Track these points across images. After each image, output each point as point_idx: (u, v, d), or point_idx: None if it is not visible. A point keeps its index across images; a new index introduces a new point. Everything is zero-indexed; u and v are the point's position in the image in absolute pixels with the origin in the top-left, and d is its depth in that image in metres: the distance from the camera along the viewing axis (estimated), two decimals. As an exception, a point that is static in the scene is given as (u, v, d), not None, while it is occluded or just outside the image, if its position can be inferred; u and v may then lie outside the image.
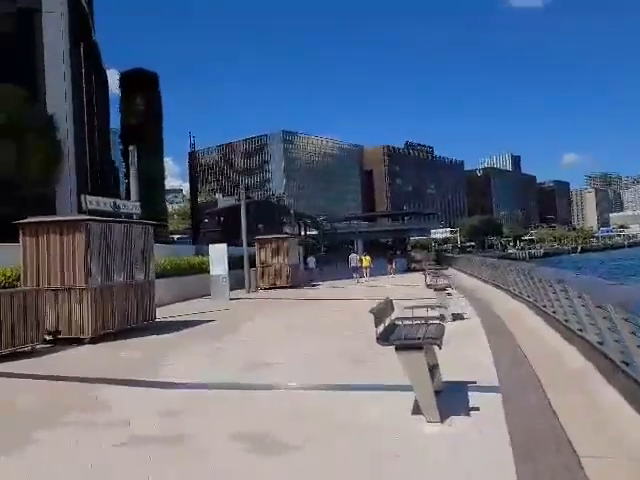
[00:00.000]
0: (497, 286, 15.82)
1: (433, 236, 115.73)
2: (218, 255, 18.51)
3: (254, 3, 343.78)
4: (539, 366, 6.11)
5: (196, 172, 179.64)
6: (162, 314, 14.34)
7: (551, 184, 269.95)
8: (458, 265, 31.97)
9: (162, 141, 41.09)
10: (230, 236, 31.60)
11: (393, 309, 5.68)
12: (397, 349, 4.41)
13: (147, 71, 36.63)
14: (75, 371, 7.26)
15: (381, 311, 4.74)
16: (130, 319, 10.77)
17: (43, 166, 21.03)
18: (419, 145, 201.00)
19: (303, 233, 78.33)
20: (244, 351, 8.26)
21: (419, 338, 4.51)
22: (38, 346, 8.90)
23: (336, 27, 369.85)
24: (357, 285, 24.66)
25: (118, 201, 10.37)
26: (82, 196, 9.82)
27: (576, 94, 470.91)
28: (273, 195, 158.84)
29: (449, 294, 13.90)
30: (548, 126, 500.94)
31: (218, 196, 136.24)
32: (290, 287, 23.43)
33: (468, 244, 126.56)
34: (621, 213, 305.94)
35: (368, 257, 32.67)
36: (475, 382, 5.65)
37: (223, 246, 18.71)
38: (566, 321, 7.55)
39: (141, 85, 35.32)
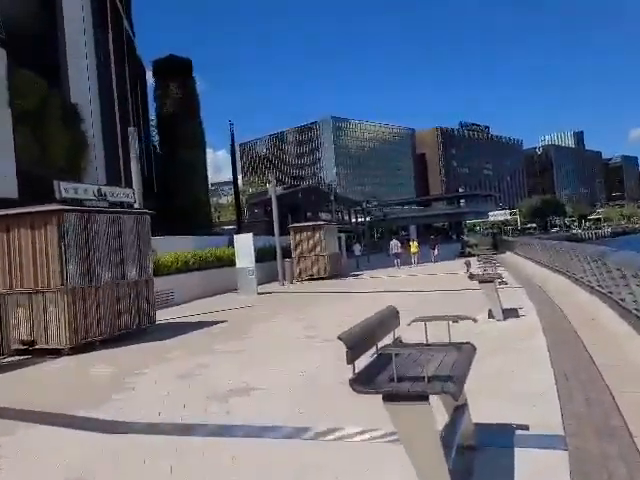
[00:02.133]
0: (562, 274, 13.43)
1: (491, 219, 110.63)
2: (244, 246, 16.99)
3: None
4: (624, 396, 4.11)
5: (248, 162, 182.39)
6: (176, 313, 13.06)
7: (618, 159, 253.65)
8: (517, 249, 29.16)
9: (202, 130, 40.00)
10: (279, 225, 30.21)
11: (398, 323, 3.81)
12: (385, 399, 2.60)
13: (180, 57, 35.50)
14: (6, 398, 5.82)
15: (360, 335, 2.88)
16: (122, 324, 9.35)
17: (67, 157, 20.22)
18: (474, 125, 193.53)
19: (353, 220, 76.46)
20: (231, 369, 6.59)
21: (424, 378, 2.65)
22: (5, 360, 7.61)
23: (382, 8, 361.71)
24: (398, 273, 22.63)
25: (105, 188, 8.92)
26: (55, 183, 8.31)
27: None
28: (324, 182, 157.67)
29: (502, 283, 11.77)
30: (613, 99, 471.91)
31: (269, 186, 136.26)
32: (329, 278, 21.72)
33: (529, 226, 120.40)
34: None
35: (416, 243, 31.21)
36: (527, 427, 3.73)
37: (249, 236, 17.17)
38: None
39: (175, 72, 34.25)
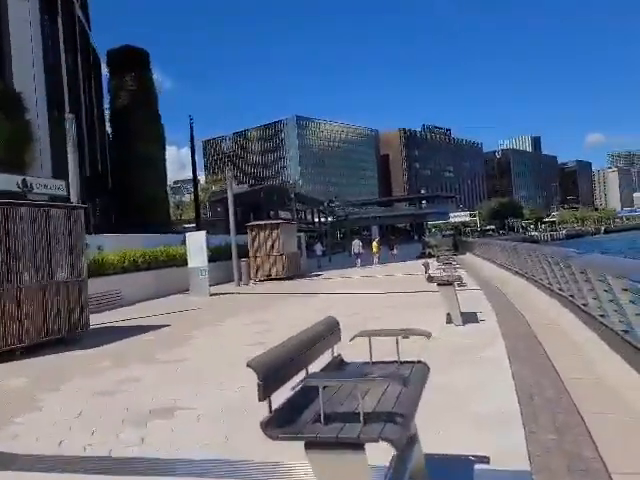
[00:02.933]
0: (521, 275, 13.16)
1: (452, 220, 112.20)
2: (196, 245, 16.14)
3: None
4: (595, 419, 3.63)
5: (212, 160, 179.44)
6: (120, 316, 12.14)
7: (573, 164, 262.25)
8: (476, 250, 29.18)
9: (160, 125, 38.68)
10: (240, 224, 29.30)
11: (338, 337, 3.20)
12: (307, 446, 1.97)
13: (136, 48, 34.03)
14: None
15: (280, 360, 2.23)
16: (49, 330, 8.43)
17: (7, 149, 18.84)
18: (436, 128, 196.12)
19: (316, 219, 75.98)
20: (162, 384, 5.83)
21: (360, 416, 2.03)
22: None
23: (350, 11, 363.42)
24: (358, 273, 22.16)
25: (31, 179, 7.99)
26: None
27: (598, 73, 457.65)
28: (288, 181, 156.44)
29: (461, 285, 11.39)
30: (570, 106, 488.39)
31: (227, 182, 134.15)
32: (287, 278, 21.05)
33: (488, 227, 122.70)
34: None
35: (377, 243, 31.99)
36: (488, 459, 3.18)
37: (201, 234, 16.33)
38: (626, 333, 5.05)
39: (130, 63, 32.81)
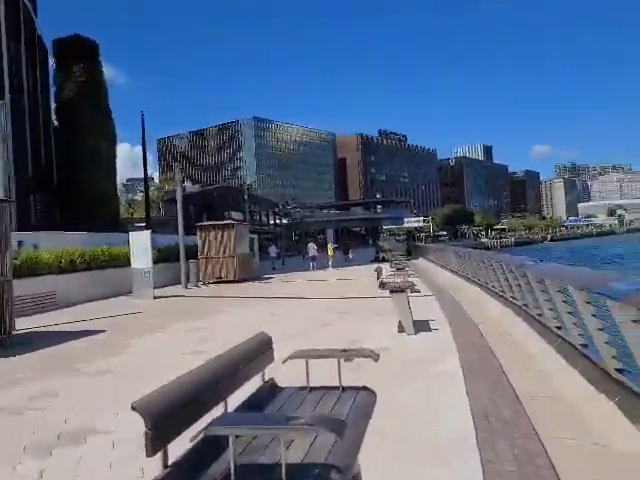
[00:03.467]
0: (474, 282, 13.05)
1: (406, 225, 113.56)
2: (140, 245, 15.30)
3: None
4: (557, 445, 3.30)
5: (167, 158, 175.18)
6: (52, 319, 11.24)
7: (522, 174, 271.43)
8: (430, 256, 29.31)
9: (110, 119, 37.13)
10: (194, 224, 28.29)
11: (272, 358, 2.72)
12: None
13: (85, 38, 32.50)
14: None
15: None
16: (-37, 335, 7.58)
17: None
18: (392, 133, 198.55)
19: (272, 221, 75.22)
20: (81, 401, 5.18)
21: (280, 468, 1.55)
22: None
23: (310, 14, 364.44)
24: (312, 277, 21.74)
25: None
26: None
27: (546, 87, 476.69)
28: (244, 183, 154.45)
29: (414, 291, 11.12)
30: (519, 118, 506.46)
31: (187, 183, 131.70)
32: (238, 281, 20.37)
33: (441, 233, 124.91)
34: (589, 203, 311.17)
35: (332, 246, 32.26)
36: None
37: (145, 233, 15.49)
38: (584, 347, 4.80)
39: (78, 54, 31.28)
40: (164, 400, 1.64)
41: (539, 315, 6.85)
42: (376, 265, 26.52)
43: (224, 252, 20.51)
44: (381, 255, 33.14)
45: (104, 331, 9.54)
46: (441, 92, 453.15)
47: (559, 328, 5.75)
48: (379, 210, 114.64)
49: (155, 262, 20.08)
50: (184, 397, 1.73)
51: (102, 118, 34.56)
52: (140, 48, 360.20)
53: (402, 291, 7.73)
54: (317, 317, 10.15)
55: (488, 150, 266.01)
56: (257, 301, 13.84)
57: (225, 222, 22.39)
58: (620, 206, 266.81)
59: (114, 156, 39.63)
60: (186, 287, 18.50)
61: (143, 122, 40.56)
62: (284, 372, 2.91)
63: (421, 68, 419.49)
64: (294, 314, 10.88)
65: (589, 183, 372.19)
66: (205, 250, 20.61)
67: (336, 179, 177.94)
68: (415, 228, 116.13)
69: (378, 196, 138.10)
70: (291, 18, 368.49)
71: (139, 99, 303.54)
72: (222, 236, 20.58)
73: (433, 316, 9.34)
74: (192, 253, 19.96)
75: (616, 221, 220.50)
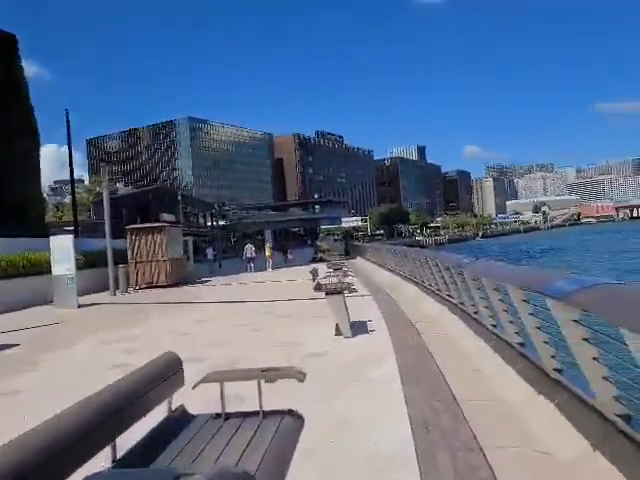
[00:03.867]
0: (411, 281, 13.06)
1: (344, 225, 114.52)
2: (62, 250, 14.27)
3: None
4: (499, 456, 3.12)
5: (98, 159, 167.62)
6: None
7: (454, 174, 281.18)
8: (368, 255, 29.48)
9: (32, 117, 34.81)
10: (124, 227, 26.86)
11: (182, 382, 2.34)
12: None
13: (1, 31, 30.33)
14: None
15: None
16: None
17: None
18: (329, 134, 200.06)
19: (209, 223, 73.52)
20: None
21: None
22: None
23: (250, 12, 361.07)
24: (249, 279, 21.22)
25: None
26: None
27: (476, 89, 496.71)
28: (180, 184, 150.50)
29: (352, 291, 10.93)
30: (450, 119, 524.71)
31: (119, 185, 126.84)
32: (171, 286, 19.54)
33: (378, 232, 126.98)
34: (515, 201, 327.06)
35: (269, 247, 31.98)
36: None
37: (67, 238, 14.46)
38: (521, 345, 4.72)
39: (-8, 47, 29.12)
40: (18, 457, 1.24)
41: (475, 313, 6.80)
42: (315, 265, 26.44)
43: (155, 256, 19.62)
44: (319, 255, 33.08)
45: (17, 345, 8.70)
46: (376, 93, 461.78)
47: (494, 326, 5.68)
48: (317, 210, 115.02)
49: (81, 268, 18.99)
50: (47, 449, 1.33)
51: (22, 116, 32.29)
52: (71, 46, 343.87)
53: (338, 293, 7.48)
54: (251, 322, 9.75)
55: (422, 150, 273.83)
56: (189, 306, 13.23)
57: (156, 224, 21.44)
58: (544, 203, 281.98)
59: (37, 156, 37.23)
60: (114, 294, 17.53)
61: (68, 120, 38.35)
62: (199, 395, 2.54)
63: (356, 69, 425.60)
64: (227, 319, 10.43)
65: (516, 182, 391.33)
66: (135, 254, 19.64)
67: (274, 180, 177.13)
68: (353, 228, 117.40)
69: (316, 196, 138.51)
70: (227, 15, 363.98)
71: (69, 99, 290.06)
72: (153, 239, 19.68)
73: (370, 316, 9.17)
74: (123, 258, 18.97)
75: (541, 217, 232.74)
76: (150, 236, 19.72)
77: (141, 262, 19.54)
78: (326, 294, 7.47)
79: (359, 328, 8.03)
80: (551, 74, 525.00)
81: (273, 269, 27.34)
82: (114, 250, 20.11)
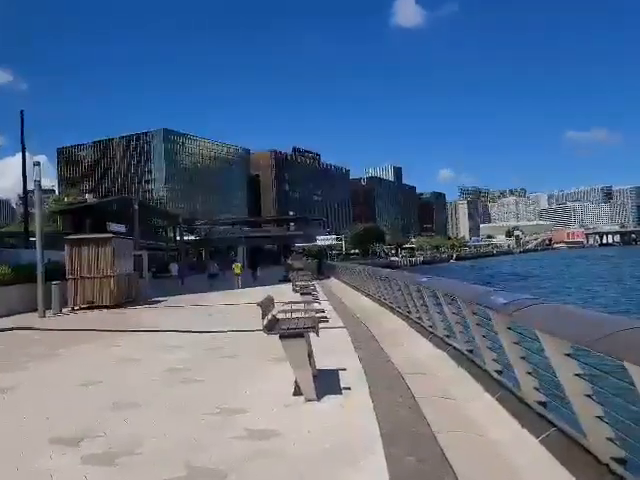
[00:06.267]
0: (392, 310, 10.82)
1: (319, 243, 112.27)
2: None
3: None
4: None
5: (67, 169, 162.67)
6: None
7: (429, 195, 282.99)
8: (342, 275, 27.22)
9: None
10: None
11: None
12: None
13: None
14: None
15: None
16: None
17: None
18: (306, 151, 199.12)
19: (179, 237, 70.45)
20: None
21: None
22: None
23: (226, 27, 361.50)
24: (209, 299, 18.68)
25: None
26: None
27: (449, 115, 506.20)
28: (153, 196, 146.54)
29: (322, 320, 8.62)
30: (426, 142, 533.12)
31: (88, 196, 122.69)
32: (117, 306, 16.89)
33: (352, 251, 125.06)
34: (489, 224, 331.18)
35: (239, 265, 30.04)
36: None
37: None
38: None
39: None
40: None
41: (499, 373, 4.58)
42: (287, 285, 24.07)
43: (99, 271, 16.97)
44: (290, 275, 30.44)
45: None
46: (354, 113, 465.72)
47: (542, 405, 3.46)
48: (292, 228, 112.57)
49: (8, 284, 16.36)
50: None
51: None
52: (43, 53, 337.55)
53: (300, 335, 5.15)
54: (186, 364, 7.34)
55: (398, 171, 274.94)
56: (118, 337, 10.64)
57: (100, 235, 18.75)
58: (517, 227, 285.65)
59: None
60: (43, 315, 14.83)
61: (22, 121, 35.64)
62: None
63: (337, 88, 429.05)
64: (156, 358, 7.97)
65: (489, 205, 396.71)
66: (75, 269, 16.95)
67: (249, 196, 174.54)
68: (328, 246, 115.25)
69: (291, 213, 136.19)
70: (205, 29, 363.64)
71: (40, 108, 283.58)
72: (97, 252, 17.03)
73: (344, 362, 6.87)
74: (54, 272, 16.34)
75: (514, 241, 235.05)
76: (93, 248, 17.07)
77: (81, 278, 16.85)
78: (281, 337, 5.13)
79: (328, 383, 5.72)
80: (523, 102, 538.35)
81: (242, 288, 25.05)
82: (60, 265, 17.48)
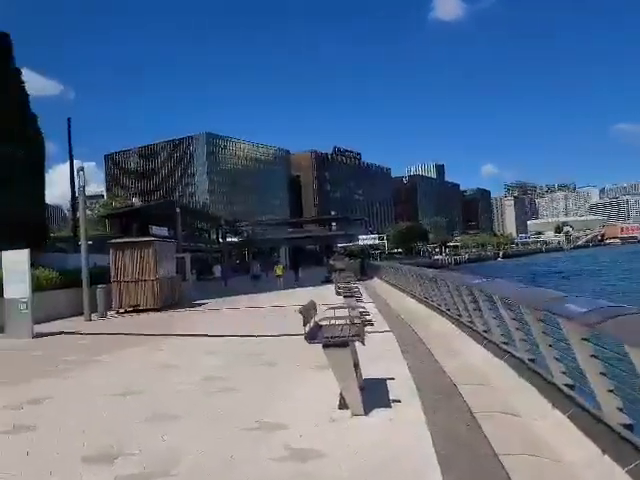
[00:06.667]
0: (443, 313, 10.26)
1: (361, 243, 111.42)
2: (15, 268, 11.77)
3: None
4: None
5: (115, 175, 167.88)
6: None
7: (473, 192, 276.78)
8: (386, 276, 26.63)
9: (33, 126, 32.98)
10: None
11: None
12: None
13: (-12, 29, 28.55)
14: None
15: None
16: None
17: None
18: (347, 151, 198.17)
19: (221, 239, 71.38)
20: None
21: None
22: None
23: (262, 28, 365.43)
24: (254, 301, 18.51)
25: None
26: None
27: (493, 110, 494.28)
28: (196, 199, 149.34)
29: (367, 324, 8.20)
30: (468, 139, 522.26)
31: (135, 200, 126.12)
32: (160, 309, 16.95)
33: (395, 251, 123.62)
34: (537, 220, 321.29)
35: (281, 266, 30.19)
36: None
37: (22, 253, 11.91)
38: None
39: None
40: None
41: (570, 388, 4.05)
42: (330, 286, 23.64)
43: (142, 274, 17.08)
44: (333, 276, 30.01)
45: None
46: (395, 112, 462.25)
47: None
48: (334, 227, 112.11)
49: (56, 288, 16.61)
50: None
51: (17, 122, 30.33)
52: (88, 64, 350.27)
53: (344, 345, 4.75)
54: (224, 372, 7.06)
55: (440, 169, 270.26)
56: (161, 341, 10.52)
57: (143, 239, 18.91)
58: (566, 223, 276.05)
59: (38, 166, 35.35)
60: (89, 319, 15.00)
61: (69, 129, 36.72)
62: None
63: (375, 87, 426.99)
64: (196, 365, 7.73)
65: (537, 201, 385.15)
66: (119, 273, 17.12)
67: (290, 197, 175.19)
68: (370, 246, 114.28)
69: (333, 213, 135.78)
70: (244, 31, 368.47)
71: (92, 116, 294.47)
72: (140, 256, 17.15)
73: (392, 370, 6.44)
74: (99, 276, 16.54)
75: (563, 238, 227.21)
76: (136, 252, 17.19)
77: (125, 282, 17.01)
78: (324, 346, 4.74)
79: (376, 394, 5.29)
80: (567, 96, 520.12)
81: (284, 289, 24.94)
82: (105, 269, 17.69)
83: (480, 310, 7.45)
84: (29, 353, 9.81)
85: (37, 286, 14.93)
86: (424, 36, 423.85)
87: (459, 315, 9.10)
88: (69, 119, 34.95)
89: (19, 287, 11.71)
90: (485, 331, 7.15)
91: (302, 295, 20.61)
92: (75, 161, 38.55)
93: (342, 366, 4.77)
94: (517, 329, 5.41)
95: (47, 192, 33.20)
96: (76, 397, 6.15)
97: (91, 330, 12.88)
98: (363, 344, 4.89)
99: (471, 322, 8.14)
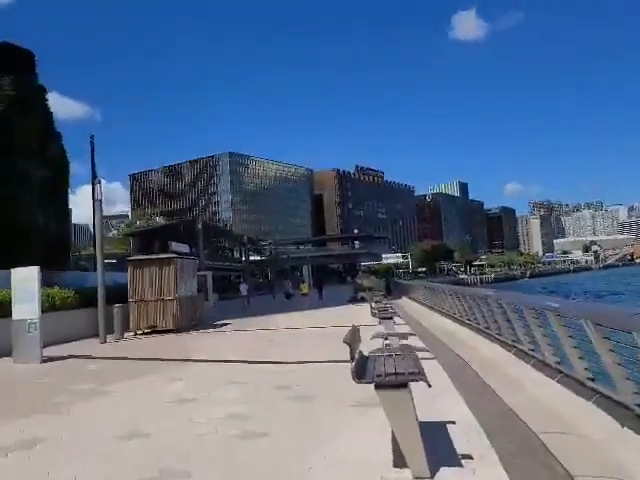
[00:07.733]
0: (493, 339, 9.08)
1: (385, 261, 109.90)
2: (24, 286, 10.98)
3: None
4: None
5: (139, 194, 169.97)
6: None
7: (497, 210, 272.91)
8: (414, 294, 25.40)
9: (58, 145, 32.86)
10: None
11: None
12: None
13: (15, 46, 28.55)
14: None
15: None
16: None
17: None
18: (369, 169, 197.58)
19: (244, 258, 70.80)
20: None
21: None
22: None
23: (284, 46, 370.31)
24: (279, 322, 17.43)
25: None
26: None
27: (515, 129, 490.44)
28: (220, 218, 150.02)
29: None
30: (491, 157, 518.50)
31: (159, 219, 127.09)
32: (179, 331, 16.01)
33: (420, 270, 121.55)
34: (564, 239, 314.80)
35: (306, 284, 29.45)
36: None
37: (32, 270, 11.11)
38: None
39: (8, 64, 27.32)
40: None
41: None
42: (356, 306, 22.41)
43: (161, 294, 16.22)
44: (360, 295, 28.84)
45: None
46: (417, 130, 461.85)
47: None
48: (357, 246, 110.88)
49: (73, 307, 15.84)
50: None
51: (40, 139, 30.16)
52: (115, 83, 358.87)
53: (403, 385, 3.68)
54: (249, 409, 6.01)
55: (464, 187, 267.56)
56: (180, 368, 9.50)
57: (162, 256, 18.12)
58: (594, 242, 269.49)
59: (62, 183, 35.15)
60: (104, 341, 14.13)
61: (92, 147, 36.53)
62: None
63: (396, 105, 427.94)
64: (215, 398, 6.70)
65: (563, 219, 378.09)
66: (137, 291, 16.30)
67: (313, 215, 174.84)
68: (394, 264, 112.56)
69: (356, 232, 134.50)
70: (265, 49, 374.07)
71: (114, 137, 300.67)
72: (159, 273, 16.32)
73: (448, 409, 5.33)
74: (113, 296, 15.74)
75: (592, 257, 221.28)
76: (156, 269, 16.36)
77: (143, 301, 16.16)
78: (376, 387, 3.68)
79: (438, 447, 4.19)
80: (591, 111, 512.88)
81: (310, 308, 23.95)
82: (125, 287, 16.89)
83: (546, 336, 6.31)
84: (33, 381, 8.90)
85: (51, 306, 14.19)
86: (445, 55, 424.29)
87: (514, 340, 7.94)
88: (92, 136, 34.76)
89: (29, 307, 10.90)
90: (558, 362, 6.00)
91: (331, 315, 19.55)
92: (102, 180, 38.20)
93: (400, 412, 3.69)
94: (619, 364, 4.26)
95: (75, 212, 32.83)
96: (72, 441, 5.15)
97: (104, 354, 11.97)
98: (429, 385, 3.80)
99: (533, 350, 6.99)
